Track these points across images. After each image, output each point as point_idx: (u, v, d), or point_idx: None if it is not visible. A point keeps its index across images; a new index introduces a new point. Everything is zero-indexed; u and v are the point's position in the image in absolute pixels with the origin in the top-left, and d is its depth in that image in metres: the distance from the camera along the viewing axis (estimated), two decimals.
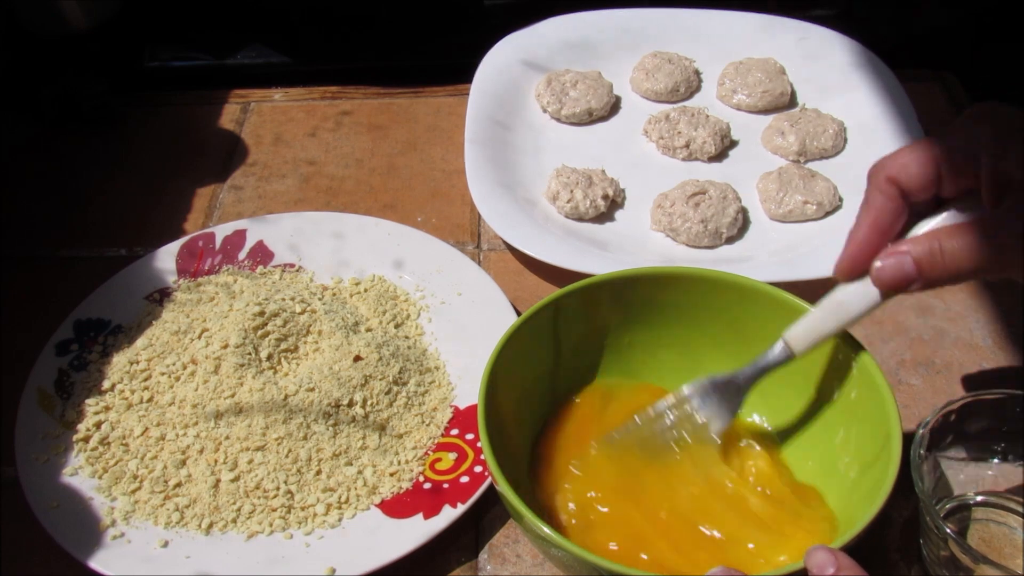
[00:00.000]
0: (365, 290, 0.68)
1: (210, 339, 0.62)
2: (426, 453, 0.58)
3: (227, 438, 0.57)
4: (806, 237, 0.72)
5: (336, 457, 0.57)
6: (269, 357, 0.61)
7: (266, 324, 0.62)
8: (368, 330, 0.64)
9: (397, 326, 0.66)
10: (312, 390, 0.59)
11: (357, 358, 0.61)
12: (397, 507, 0.56)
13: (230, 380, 0.59)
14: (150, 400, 0.60)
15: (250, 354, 0.61)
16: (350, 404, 0.59)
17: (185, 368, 0.60)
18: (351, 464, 0.57)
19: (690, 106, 0.82)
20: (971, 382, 0.63)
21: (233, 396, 0.59)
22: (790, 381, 0.54)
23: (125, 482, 0.56)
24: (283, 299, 0.64)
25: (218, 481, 0.56)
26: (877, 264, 0.45)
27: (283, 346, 0.62)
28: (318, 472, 0.56)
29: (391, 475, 0.57)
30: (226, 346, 0.60)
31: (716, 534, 0.49)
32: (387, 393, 0.60)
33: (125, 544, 0.53)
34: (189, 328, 0.63)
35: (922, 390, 0.62)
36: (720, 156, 0.80)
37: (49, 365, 0.62)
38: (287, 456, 0.56)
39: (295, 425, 0.57)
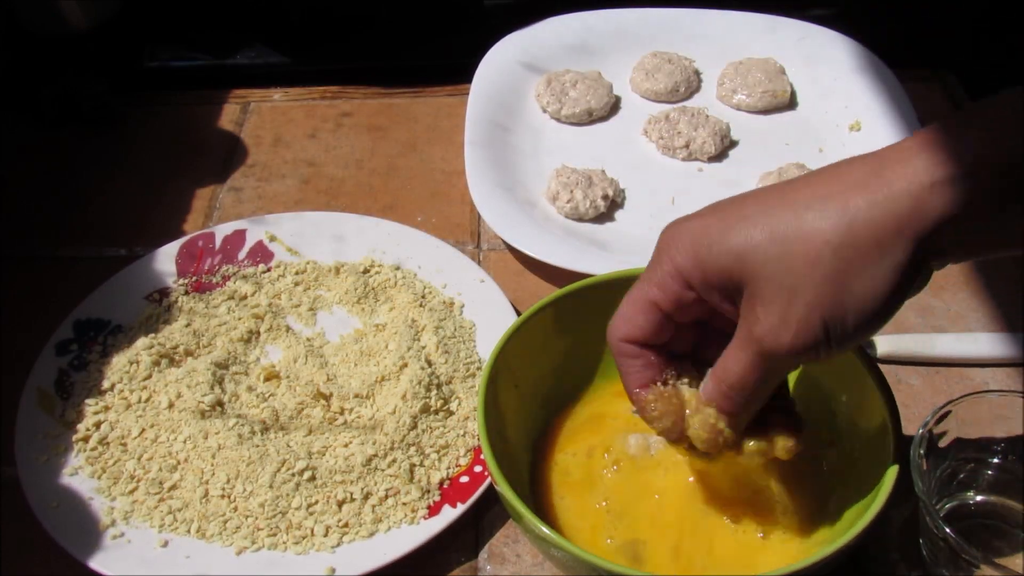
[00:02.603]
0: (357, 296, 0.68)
1: (212, 351, 0.62)
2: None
3: (219, 448, 0.57)
4: None
5: (340, 482, 0.55)
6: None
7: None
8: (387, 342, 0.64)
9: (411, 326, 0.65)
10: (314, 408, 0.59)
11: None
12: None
13: (218, 394, 0.59)
14: (148, 400, 0.60)
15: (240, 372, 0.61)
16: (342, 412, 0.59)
17: (180, 381, 0.60)
18: (354, 484, 0.55)
19: (690, 106, 0.82)
20: (971, 382, 0.63)
21: (222, 409, 0.59)
22: (789, 381, 0.54)
23: (123, 482, 0.56)
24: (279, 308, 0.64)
25: (207, 492, 0.55)
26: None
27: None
28: (314, 500, 0.55)
29: (403, 504, 0.55)
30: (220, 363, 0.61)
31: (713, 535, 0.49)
32: (392, 412, 0.59)
33: (125, 544, 0.53)
34: (195, 336, 0.64)
35: (922, 390, 0.62)
36: (720, 156, 0.80)
37: (49, 365, 0.62)
38: (282, 471, 0.55)
39: (293, 442, 0.57)
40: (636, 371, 0.46)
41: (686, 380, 0.46)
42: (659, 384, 0.46)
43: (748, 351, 0.41)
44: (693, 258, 0.41)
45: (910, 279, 0.39)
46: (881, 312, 0.39)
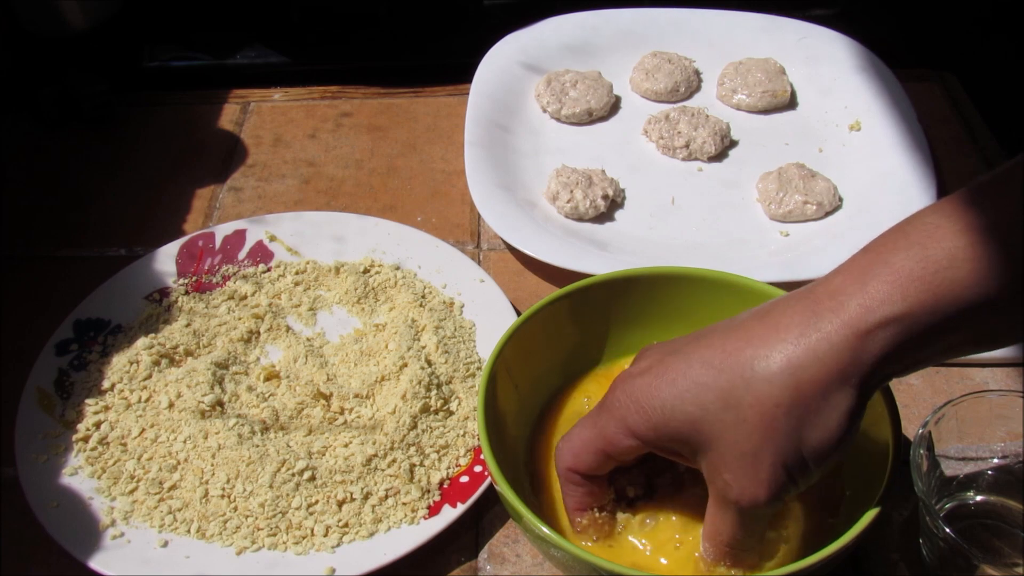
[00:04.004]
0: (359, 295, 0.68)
1: (212, 350, 0.63)
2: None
3: (219, 448, 0.56)
4: (806, 237, 0.72)
5: (340, 482, 0.55)
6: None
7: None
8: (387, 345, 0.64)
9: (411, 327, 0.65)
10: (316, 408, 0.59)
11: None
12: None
13: (218, 393, 0.59)
14: (148, 400, 0.60)
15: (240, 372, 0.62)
16: (342, 413, 0.59)
17: (180, 381, 0.60)
18: (354, 484, 0.55)
19: (690, 106, 0.82)
20: (971, 382, 0.63)
21: (222, 409, 0.59)
22: None
23: (123, 482, 0.56)
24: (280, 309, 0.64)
25: (207, 492, 0.55)
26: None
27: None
28: (314, 500, 0.55)
29: (403, 504, 0.55)
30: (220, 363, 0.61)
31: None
32: (392, 412, 0.59)
33: (125, 544, 0.53)
34: (195, 335, 0.64)
35: (922, 390, 0.62)
36: (720, 156, 0.80)
37: (49, 365, 0.62)
38: (282, 471, 0.55)
39: (293, 442, 0.58)
40: (577, 497, 0.48)
41: (629, 495, 0.49)
42: (595, 511, 0.48)
43: (730, 511, 0.43)
44: (646, 422, 0.43)
45: (860, 412, 0.41)
46: (838, 446, 0.41)
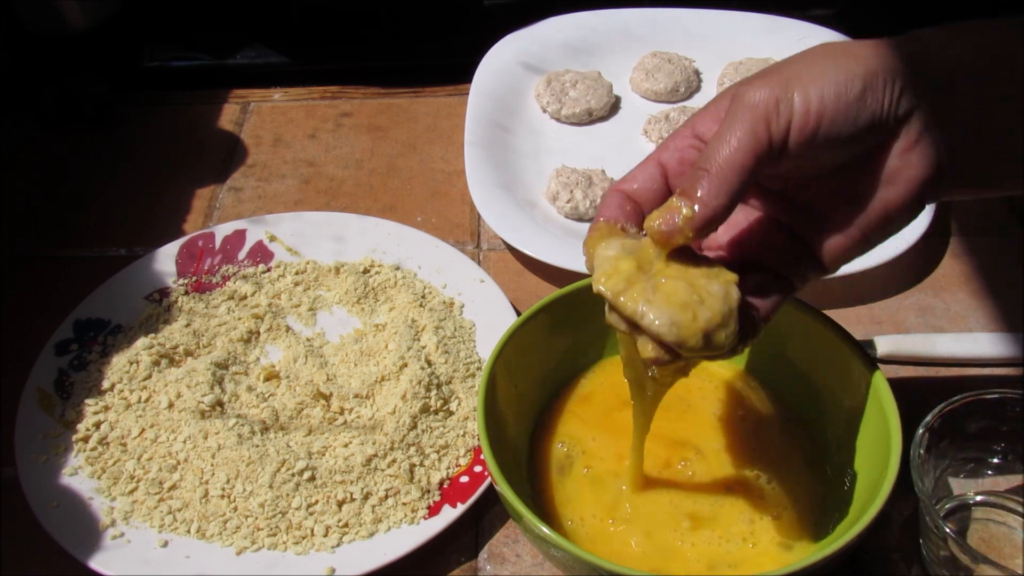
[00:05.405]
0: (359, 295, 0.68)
1: (212, 350, 0.63)
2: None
3: (219, 448, 0.56)
4: None
5: (340, 482, 0.55)
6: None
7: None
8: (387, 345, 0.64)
9: (410, 326, 0.65)
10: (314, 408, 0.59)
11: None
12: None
13: (218, 394, 0.59)
14: (147, 400, 0.60)
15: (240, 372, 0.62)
16: (343, 413, 0.59)
17: (180, 381, 0.60)
18: (354, 484, 0.55)
19: (690, 106, 0.82)
20: (971, 382, 0.63)
21: (222, 409, 0.59)
22: (790, 381, 0.54)
23: (123, 482, 0.56)
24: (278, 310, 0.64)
25: (207, 492, 0.55)
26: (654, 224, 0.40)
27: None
28: (314, 500, 0.55)
29: (403, 504, 0.55)
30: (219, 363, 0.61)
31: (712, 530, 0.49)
32: (392, 412, 0.59)
33: (125, 544, 0.53)
34: (195, 335, 0.64)
35: (922, 390, 0.62)
36: None
37: (49, 365, 0.62)
38: (282, 471, 0.55)
39: (292, 442, 0.58)
40: (606, 206, 0.44)
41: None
42: (619, 227, 0.43)
43: (723, 103, 0.43)
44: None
45: (869, 90, 0.40)
46: (837, 100, 0.40)
